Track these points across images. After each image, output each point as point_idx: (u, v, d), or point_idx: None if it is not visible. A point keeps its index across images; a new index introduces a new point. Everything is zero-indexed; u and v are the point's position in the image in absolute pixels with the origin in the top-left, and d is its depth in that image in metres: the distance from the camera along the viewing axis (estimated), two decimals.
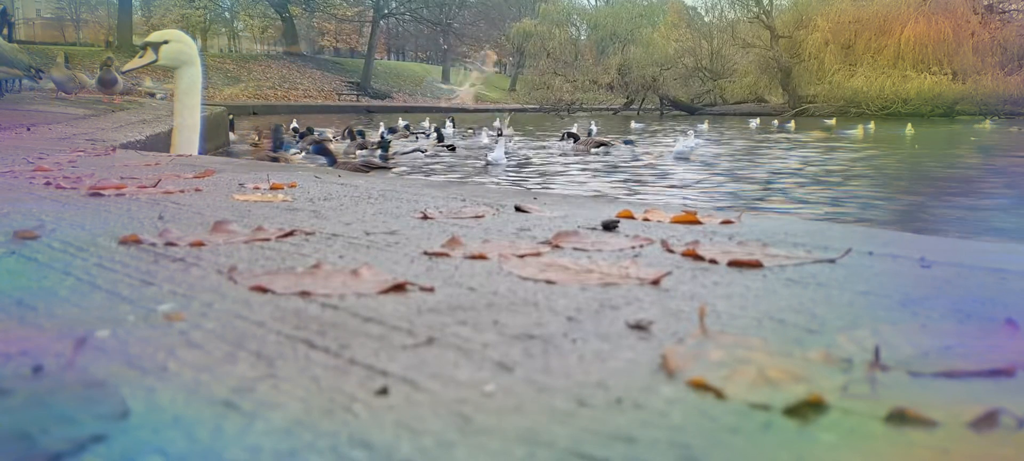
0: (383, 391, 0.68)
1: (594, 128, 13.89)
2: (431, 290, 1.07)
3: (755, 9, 38.61)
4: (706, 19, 42.14)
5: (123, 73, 10.16)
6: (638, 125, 20.09)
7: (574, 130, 12.32)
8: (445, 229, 1.65)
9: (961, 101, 30.60)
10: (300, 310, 0.97)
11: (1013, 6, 33.20)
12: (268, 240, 1.50)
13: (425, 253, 1.36)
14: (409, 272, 1.20)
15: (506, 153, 8.90)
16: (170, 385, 0.70)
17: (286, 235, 1.54)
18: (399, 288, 1.07)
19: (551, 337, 0.86)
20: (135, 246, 1.42)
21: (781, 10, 38.52)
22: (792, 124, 21.21)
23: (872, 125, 19.74)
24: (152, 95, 15.70)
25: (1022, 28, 32.06)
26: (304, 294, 1.05)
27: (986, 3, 33.18)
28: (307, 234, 1.58)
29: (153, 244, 1.43)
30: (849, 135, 16.90)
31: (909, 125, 19.41)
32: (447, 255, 1.34)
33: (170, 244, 1.42)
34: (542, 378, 0.73)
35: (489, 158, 8.63)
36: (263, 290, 1.07)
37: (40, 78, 12.90)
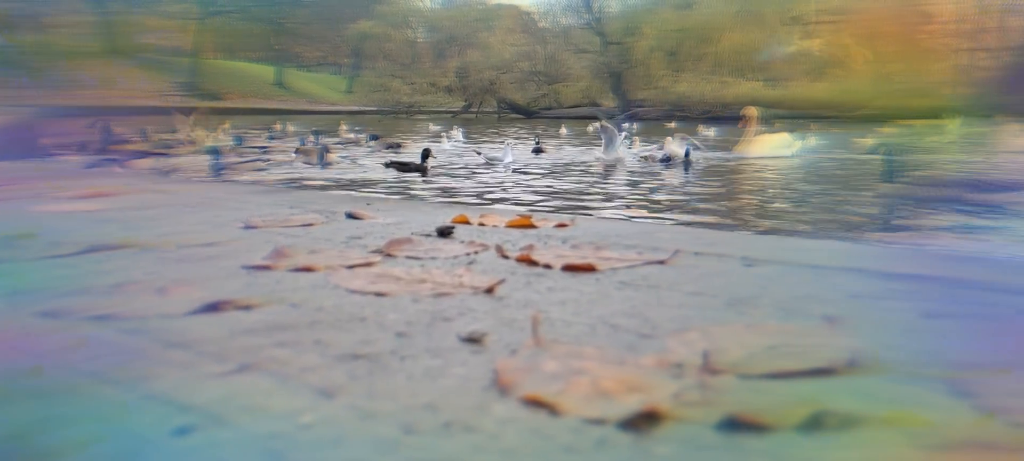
0: (183, 430, 0.60)
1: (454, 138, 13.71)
2: (248, 308, 0.99)
3: (586, 15, 39.94)
4: (540, 25, 43.12)
5: None
6: (437, 127, 19.72)
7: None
8: (270, 239, 1.55)
9: (776, 106, 32.94)
10: (94, 337, 0.86)
11: (818, 18, 36.09)
12: (66, 256, 1.34)
13: (246, 266, 1.26)
14: (226, 288, 1.10)
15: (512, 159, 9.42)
16: None
17: (90, 250, 1.39)
18: (213, 307, 0.98)
19: (378, 356, 0.80)
20: None
21: (611, 17, 40.03)
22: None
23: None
24: None
25: (826, 38, 34.93)
26: (102, 318, 0.94)
27: (792, 15, 35.93)
28: (114, 248, 1.43)
29: None
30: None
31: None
32: (270, 268, 1.25)
33: None
34: (366, 403, 0.67)
35: (504, 160, 9.19)
36: (53, 315, 0.94)
37: None
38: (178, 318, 0.94)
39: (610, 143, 9.41)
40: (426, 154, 8.39)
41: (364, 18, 44.71)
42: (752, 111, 9.90)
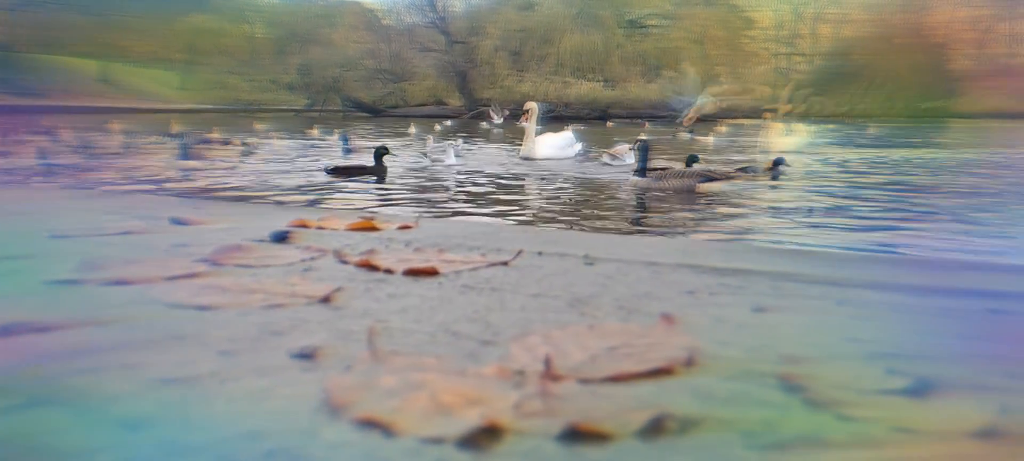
0: None
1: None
2: (46, 330, 0.88)
3: (431, 14, 39.91)
4: (385, 23, 42.63)
5: None
6: (263, 126, 18.70)
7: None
8: (81, 249, 1.41)
9: (614, 105, 34.21)
10: None
11: (652, 22, 37.73)
12: None
13: (48, 282, 1.14)
14: (21, 308, 0.98)
15: (457, 158, 9.30)
16: None
17: None
18: (2, 332, 0.86)
19: (197, 379, 0.73)
20: None
21: (455, 16, 40.18)
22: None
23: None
24: None
25: (659, 41, 36.62)
26: None
27: (628, 18, 37.43)
28: None
29: None
30: None
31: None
32: (77, 282, 1.13)
33: None
34: (180, 435, 0.60)
35: (447, 161, 8.92)
36: None
37: None
38: None
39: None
40: (381, 152, 7.40)
41: (197, 11, 42.61)
42: (532, 106, 10.12)
